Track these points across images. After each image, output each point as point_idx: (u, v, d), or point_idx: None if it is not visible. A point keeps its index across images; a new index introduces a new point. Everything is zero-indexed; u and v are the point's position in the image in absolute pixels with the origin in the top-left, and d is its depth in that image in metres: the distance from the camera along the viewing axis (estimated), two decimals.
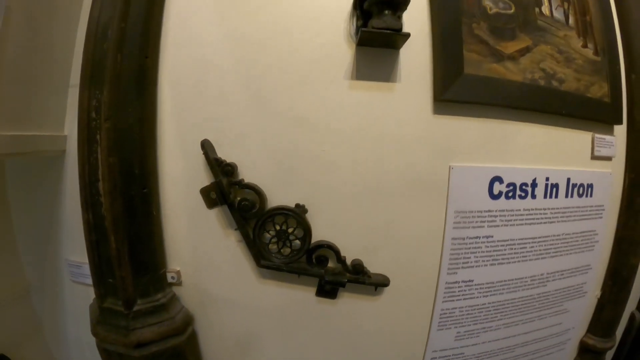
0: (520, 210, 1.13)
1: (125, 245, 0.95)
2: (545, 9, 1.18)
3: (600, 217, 1.29)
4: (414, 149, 1.05)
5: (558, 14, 1.20)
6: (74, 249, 1.10)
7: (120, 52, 0.92)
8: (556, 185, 1.18)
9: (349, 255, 1.03)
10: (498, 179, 1.08)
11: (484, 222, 1.09)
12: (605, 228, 1.33)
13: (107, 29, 0.91)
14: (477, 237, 1.09)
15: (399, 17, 0.94)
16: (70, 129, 1.06)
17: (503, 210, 1.10)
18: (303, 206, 1.00)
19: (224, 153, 1.02)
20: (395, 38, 0.95)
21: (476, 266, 1.12)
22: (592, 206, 1.27)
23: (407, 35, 0.96)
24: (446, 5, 1.06)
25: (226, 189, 0.99)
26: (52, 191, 1.12)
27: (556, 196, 1.18)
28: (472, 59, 1.05)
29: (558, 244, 1.22)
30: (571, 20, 1.22)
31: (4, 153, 0.88)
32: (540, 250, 1.18)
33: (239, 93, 1.02)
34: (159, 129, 1.03)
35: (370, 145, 1.04)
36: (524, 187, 1.12)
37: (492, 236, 1.10)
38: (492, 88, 1.06)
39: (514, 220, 1.12)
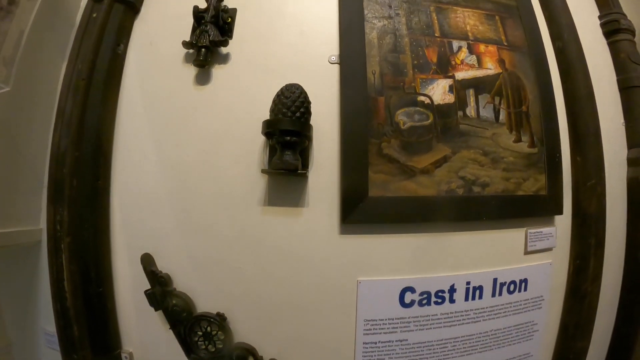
0: (437, 314, 1.14)
1: (85, 332, 1.12)
2: (470, 111, 1.14)
3: (540, 308, 1.27)
4: (322, 267, 1.09)
5: (486, 113, 1.16)
6: (49, 320, 1.24)
7: (75, 177, 1.09)
8: (479, 288, 1.16)
9: (267, 355, 1.11)
10: (409, 289, 1.10)
11: (396, 328, 1.12)
12: (547, 316, 1.29)
13: (65, 155, 1.09)
14: (389, 342, 1.12)
15: (298, 157, 1.01)
16: (45, 222, 1.20)
17: (417, 317, 1.12)
18: (222, 314, 1.11)
19: (161, 263, 1.14)
20: (294, 174, 1.02)
21: None
22: (527, 299, 1.24)
23: (304, 174, 1.02)
24: (354, 130, 1.07)
25: (159, 296, 1.11)
26: (30, 271, 1.26)
27: (480, 297, 1.17)
28: (379, 180, 1.06)
29: (486, 340, 1.21)
30: (502, 116, 1.17)
31: None
32: (465, 347, 1.19)
33: (171, 213, 1.14)
34: (112, 240, 1.17)
35: (283, 264, 1.10)
36: (440, 294, 1.13)
37: (407, 339, 1.13)
38: (400, 207, 1.05)
39: (430, 324, 1.14)
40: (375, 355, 1.13)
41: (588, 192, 1.29)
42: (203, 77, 1.20)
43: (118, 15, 1.21)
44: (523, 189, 1.15)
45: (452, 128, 1.13)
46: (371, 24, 1.17)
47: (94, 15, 1.18)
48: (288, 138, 0.99)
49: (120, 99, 1.20)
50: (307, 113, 1.04)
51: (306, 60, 1.17)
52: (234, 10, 1.24)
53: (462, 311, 1.17)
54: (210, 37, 1.15)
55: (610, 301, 1.47)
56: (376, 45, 1.14)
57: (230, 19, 1.21)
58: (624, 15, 1.66)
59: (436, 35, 1.20)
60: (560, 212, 1.22)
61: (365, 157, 1.05)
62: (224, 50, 1.21)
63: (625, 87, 1.54)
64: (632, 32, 1.64)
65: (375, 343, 1.13)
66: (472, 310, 1.18)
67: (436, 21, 1.21)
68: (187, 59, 1.21)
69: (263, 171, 1.05)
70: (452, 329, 1.17)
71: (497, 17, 1.31)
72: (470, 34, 1.23)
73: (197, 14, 1.19)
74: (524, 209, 1.16)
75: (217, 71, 1.21)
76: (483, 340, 1.21)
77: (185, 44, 1.16)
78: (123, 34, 1.23)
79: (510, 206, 1.15)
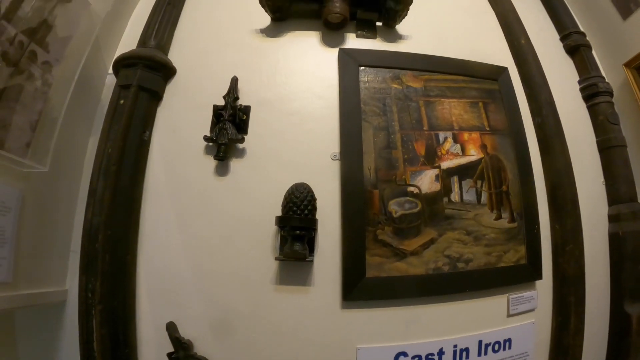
0: None
1: None
2: (454, 196, 1.28)
3: None
4: (326, 337, 1.24)
5: (469, 196, 1.30)
6: None
7: (107, 252, 1.15)
8: (466, 349, 1.30)
9: None
10: (403, 353, 1.24)
11: None
12: None
13: (97, 232, 1.15)
14: None
15: (306, 247, 1.17)
16: (70, 284, 1.30)
17: None
18: None
19: (183, 330, 1.26)
20: (302, 261, 1.18)
21: None
22: (513, 356, 1.36)
23: (311, 261, 1.20)
24: (353, 220, 1.24)
25: (182, 359, 1.23)
26: (54, 329, 1.30)
27: (467, 357, 1.30)
28: (375, 263, 1.21)
29: None
30: (484, 198, 1.31)
31: (21, 306, 1.10)
32: None
33: (192, 287, 1.28)
34: (137, 308, 1.24)
35: (292, 335, 1.24)
36: (430, 356, 1.27)
37: None
38: (393, 285, 1.21)
39: None
40: None
41: (567, 255, 1.41)
42: (222, 169, 1.32)
43: (143, 103, 1.30)
44: (504, 261, 1.29)
45: (439, 213, 1.28)
46: (367, 122, 1.32)
47: (121, 102, 1.26)
48: (298, 232, 1.17)
49: (146, 182, 1.29)
50: (314, 209, 1.21)
51: (311, 157, 1.34)
52: (248, 108, 1.40)
53: None
54: (229, 135, 1.30)
55: (599, 352, 1.57)
56: (372, 142, 1.30)
57: (245, 117, 1.37)
58: (602, 78, 1.78)
59: (424, 128, 1.35)
60: (540, 277, 1.35)
61: (363, 243, 1.21)
62: (240, 145, 1.35)
63: (604, 148, 1.66)
64: (610, 94, 1.76)
65: None
66: None
67: (425, 115, 1.36)
68: (208, 150, 1.33)
69: (276, 258, 1.21)
70: None
71: (480, 104, 1.44)
72: (455, 124, 1.38)
73: (217, 111, 1.35)
74: (505, 278, 1.30)
75: (235, 164, 1.33)
76: None
77: (207, 139, 1.28)
78: (148, 122, 1.32)
79: (492, 277, 1.28)
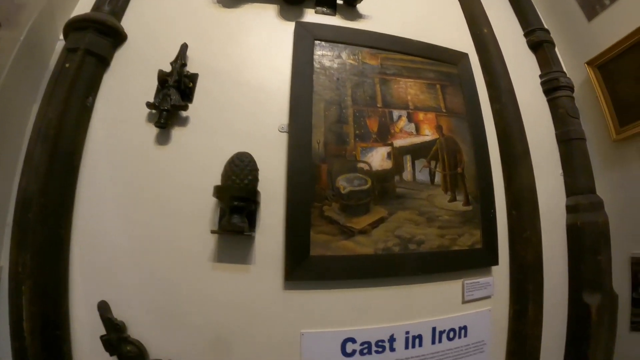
0: None
1: None
2: (407, 175, 1.22)
3: (482, 352, 1.32)
4: (268, 320, 1.15)
5: (422, 176, 1.24)
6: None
7: (40, 223, 1.06)
8: (419, 337, 1.23)
9: None
10: (350, 340, 1.16)
11: None
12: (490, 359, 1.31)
13: (31, 201, 1.07)
14: None
15: (245, 220, 1.08)
16: (4, 261, 1.15)
17: None
18: None
19: (117, 311, 1.15)
20: (241, 234, 1.09)
21: None
22: (469, 345, 1.30)
23: (251, 236, 1.12)
24: (298, 194, 1.16)
25: (114, 342, 1.13)
26: None
27: (420, 345, 1.23)
28: (321, 241, 1.13)
29: None
30: (438, 178, 1.25)
31: None
32: None
33: (128, 264, 1.16)
34: (70, 286, 1.16)
35: (230, 317, 1.15)
36: (380, 343, 1.19)
37: None
38: (340, 265, 1.12)
39: None
40: None
41: (524, 242, 1.36)
42: (163, 137, 1.22)
43: (90, 68, 1.21)
44: (458, 244, 1.22)
45: (389, 191, 1.22)
46: (319, 96, 1.26)
47: (67, 65, 1.18)
48: (236, 203, 1.07)
49: (86, 150, 1.20)
50: (255, 180, 1.13)
51: (258, 128, 1.27)
52: (196, 76, 1.31)
53: (403, 359, 1.20)
54: (172, 102, 1.21)
55: (557, 342, 1.53)
56: (322, 117, 1.23)
57: (191, 84, 1.29)
58: (564, 73, 1.76)
59: (378, 105, 1.29)
60: (496, 263, 1.29)
61: (308, 219, 1.13)
62: (184, 113, 1.25)
63: (563, 140, 1.63)
64: (571, 89, 1.74)
65: None
66: (413, 357, 1.23)
67: (379, 92, 1.31)
68: (150, 118, 1.23)
69: (213, 231, 1.12)
70: None
71: (438, 86, 1.40)
72: (410, 103, 1.33)
73: (162, 77, 1.26)
74: (459, 262, 1.23)
75: (177, 133, 1.23)
76: None
77: (149, 105, 1.19)
78: (93, 87, 1.24)
79: (446, 260, 1.22)
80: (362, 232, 1.17)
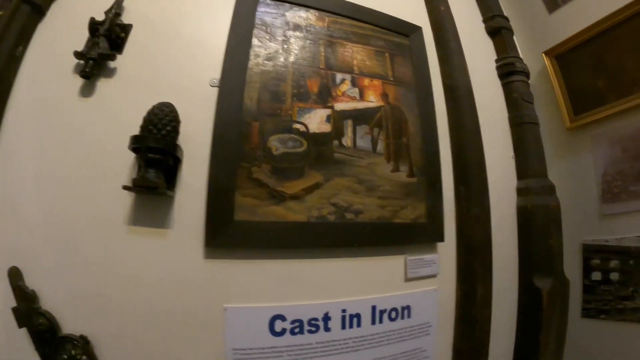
0: (312, 344, 1.08)
1: None
2: (346, 140, 1.13)
3: (428, 334, 1.23)
4: (187, 292, 1.01)
5: (363, 143, 1.15)
6: None
7: None
8: (357, 316, 1.12)
9: None
10: (280, 317, 1.05)
11: (269, 357, 1.04)
12: (437, 343, 1.25)
13: None
14: None
15: (160, 176, 0.96)
16: None
17: (290, 346, 1.04)
18: (86, 337, 1.01)
19: (30, 280, 1.01)
20: (156, 194, 0.96)
21: None
22: (413, 326, 1.21)
23: (166, 194, 0.98)
24: (224, 152, 1.04)
25: (24, 313, 0.99)
26: None
27: (359, 325, 1.13)
28: (247, 205, 1.01)
29: None
30: (380, 147, 1.15)
31: None
32: None
33: (41, 227, 1.03)
34: None
35: (146, 287, 1.01)
36: (313, 322, 1.07)
37: None
38: (268, 231, 1.01)
39: (305, 354, 1.08)
40: None
41: (472, 219, 1.29)
42: (88, 89, 1.12)
43: (23, 16, 1.12)
44: (400, 217, 1.13)
45: (327, 156, 1.13)
46: (257, 51, 1.16)
47: (1, 13, 1.10)
48: (151, 155, 0.95)
49: (10, 103, 1.08)
50: (175, 132, 1.01)
51: (189, 82, 1.15)
52: (129, 27, 1.20)
53: (340, 340, 1.11)
54: (99, 50, 1.10)
55: (508, 325, 1.47)
56: (259, 72, 1.14)
57: (123, 34, 1.17)
58: (520, 59, 1.72)
59: (321, 67, 1.20)
60: (441, 239, 1.20)
61: (233, 180, 1.02)
62: (111, 64, 1.16)
63: (516, 124, 1.58)
64: (527, 75, 1.71)
65: None
66: (351, 338, 1.12)
67: (323, 53, 1.23)
68: (77, 69, 1.11)
69: (125, 188, 0.98)
70: (330, 358, 1.11)
71: (387, 54, 1.33)
72: (356, 68, 1.25)
73: (93, 25, 1.14)
74: (402, 236, 1.15)
75: (103, 84, 1.13)
76: None
77: (76, 54, 1.08)
78: (25, 37, 1.13)
79: (386, 232, 1.13)
80: (294, 197, 1.06)
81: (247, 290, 1.04)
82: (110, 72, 1.13)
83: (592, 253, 1.70)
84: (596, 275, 1.68)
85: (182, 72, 1.15)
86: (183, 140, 1.05)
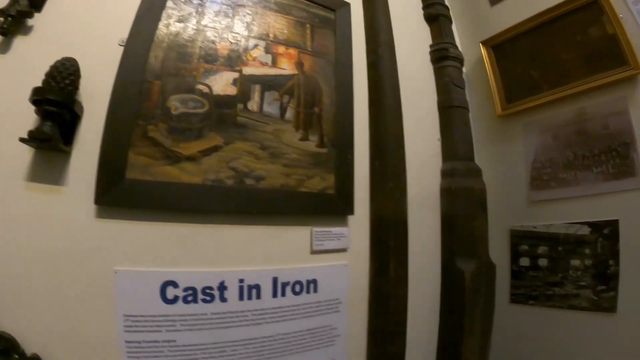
0: (207, 314, 1.06)
1: None
2: (252, 105, 1.13)
3: (337, 311, 1.23)
4: (78, 252, 0.98)
5: (271, 109, 1.16)
6: None
7: None
8: (256, 287, 1.11)
9: (30, 349, 0.94)
10: (171, 283, 1.02)
11: (161, 326, 1.02)
12: (349, 321, 1.26)
13: None
14: (155, 342, 1.02)
15: (56, 129, 0.93)
16: None
17: (183, 315, 1.01)
18: None
19: None
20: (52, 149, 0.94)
21: None
22: (320, 302, 1.20)
23: (66, 151, 0.97)
24: (120, 109, 1.03)
25: None
26: None
27: (258, 297, 1.11)
28: (140, 163, 0.99)
29: (274, 344, 1.13)
30: (289, 114, 1.14)
31: None
32: (249, 352, 1.09)
33: None
34: None
35: (40, 247, 0.96)
36: (207, 290, 1.06)
37: (175, 340, 1.02)
38: (160, 192, 0.99)
39: (201, 324, 1.05)
40: (141, 356, 1.01)
41: (386, 195, 1.31)
42: (4, 46, 1.08)
43: None
44: (306, 187, 1.13)
45: (229, 119, 1.13)
46: (170, 13, 1.17)
47: None
48: (47, 107, 0.94)
49: None
50: (74, 87, 1.00)
51: (100, 41, 1.12)
52: None
53: (238, 312, 1.10)
54: (18, 7, 1.07)
55: (430, 307, 1.49)
56: (168, 33, 1.14)
57: None
58: (455, 45, 1.77)
59: (234, 31, 1.21)
60: (351, 212, 1.20)
61: (128, 137, 1.00)
62: (29, 22, 1.12)
63: (444, 107, 1.60)
64: (460, 61, 1.75)
65: (139, 342, 1.01)
66: (250, 311, 1.11)
67: (237, 17, 1.23)
68: None
69: (21, 140, 0.94)
70: (228, 331, 1.09)
71: (308, 25, 1.35)
72: (271, 35, 1.26)
73: None
74: (307, 206, 1.15)
75: (19, 42, 1.10)
76: (271, 345, 1.13)
77: None
78: None
79: (290, 202, 1.13)
80: (190, 158, 1.04)
81: (138, 252, 1.02)
82: (28, 30, 1.11)
83: (520, 239, 1.73)
84: (524, 261, 1.72)
85: (94, 32, 1.13)
86: (85, 97, 1.04)
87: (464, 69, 1.92)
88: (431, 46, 1.78)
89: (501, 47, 1.94)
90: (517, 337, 1.72)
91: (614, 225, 1.52)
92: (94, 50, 1.11)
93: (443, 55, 1.73)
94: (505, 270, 1.75)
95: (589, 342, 1.53)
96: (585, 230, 1.60)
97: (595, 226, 1.57)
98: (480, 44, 1.96)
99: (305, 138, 1.19)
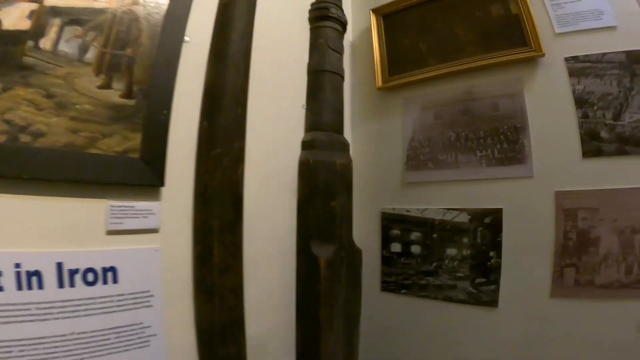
0: None
1: None
2: (46, 42, 0.93)
3: (149, 306, 1.06)
4: None
5: (68, 48, 0.97)
6: None
7: None
8: (37, 274, 0.89)
9: None
10: None
11: None
12: (167, 318, 1.08)
13: None
14: None
15: None
16: None
17: None
18: None
19: None
20: None
21: None
22: (123, 294, 1.02)
23: None
24: None
25: None
26: None
27: (40, 287, 0.89)
28: None
29: (70, 345, 0.91)
30: (91, 55, 0.91)
31: None
32: (35, 355, 0.86)
33: None
34: None
35: None
36: None
37: None
38: None
39: None
40: None
41: (211, 162, 1.14)
42: None
43: None
44: (100, 147, 0.95)
45: (13, 59, 0.89)
46: None
47: None
48: None
49: None
50: None
51: None
52: None
53: (19, 304, 0.86)
54: None
55: (280, 299, 1.39)
56: None
57: None
58: (339, 7, 1.61)
59: None
60: (161, 183, 1.03)
61: None
62: None
63: (314, 70, 1.47)
64: (342, 23, 1.61)
65: None
66: (33, 304, 0.88)
67: None
68: None
69: None
70: (7, 327, 0.84)
71: None
72: None
73: None
74: (99, 172, 0.97)
75: None
76: (65, 346, 0.91)
77: None
78: None
79: (75, 166, 0.94)
80: None
81: None
82: None
83: (392, 223, 1.67)
84: (395, 247, 1.66)
85: None
86: None
87: (350, 37, 1.82)
88: (312, 4, 1.61)
89: (393, 16, 1.89)
90: (388, 328, 1.67)
91: (496, 214, 1.49)
92: None
93: (322, 15, 1.59)
94: (377, 256, 1.68)
95: (466, 337, 1.51)
96: (464, 218, 1.57)
97: (476, 214, 1.53)
98: (371, 11, 1.89)
99: (106, 85, 1.00)
